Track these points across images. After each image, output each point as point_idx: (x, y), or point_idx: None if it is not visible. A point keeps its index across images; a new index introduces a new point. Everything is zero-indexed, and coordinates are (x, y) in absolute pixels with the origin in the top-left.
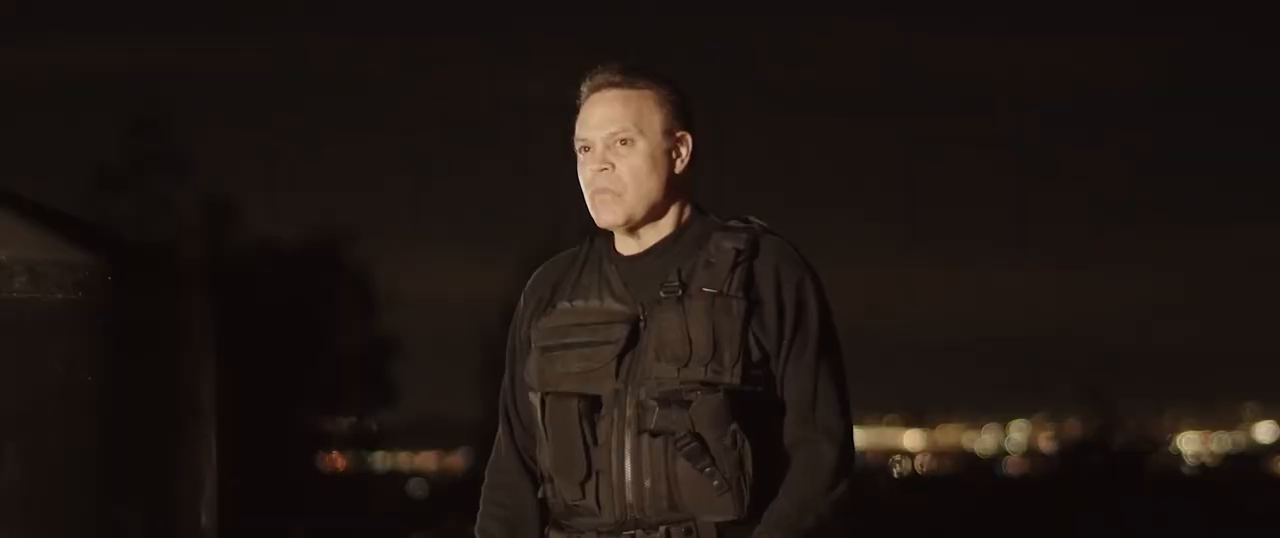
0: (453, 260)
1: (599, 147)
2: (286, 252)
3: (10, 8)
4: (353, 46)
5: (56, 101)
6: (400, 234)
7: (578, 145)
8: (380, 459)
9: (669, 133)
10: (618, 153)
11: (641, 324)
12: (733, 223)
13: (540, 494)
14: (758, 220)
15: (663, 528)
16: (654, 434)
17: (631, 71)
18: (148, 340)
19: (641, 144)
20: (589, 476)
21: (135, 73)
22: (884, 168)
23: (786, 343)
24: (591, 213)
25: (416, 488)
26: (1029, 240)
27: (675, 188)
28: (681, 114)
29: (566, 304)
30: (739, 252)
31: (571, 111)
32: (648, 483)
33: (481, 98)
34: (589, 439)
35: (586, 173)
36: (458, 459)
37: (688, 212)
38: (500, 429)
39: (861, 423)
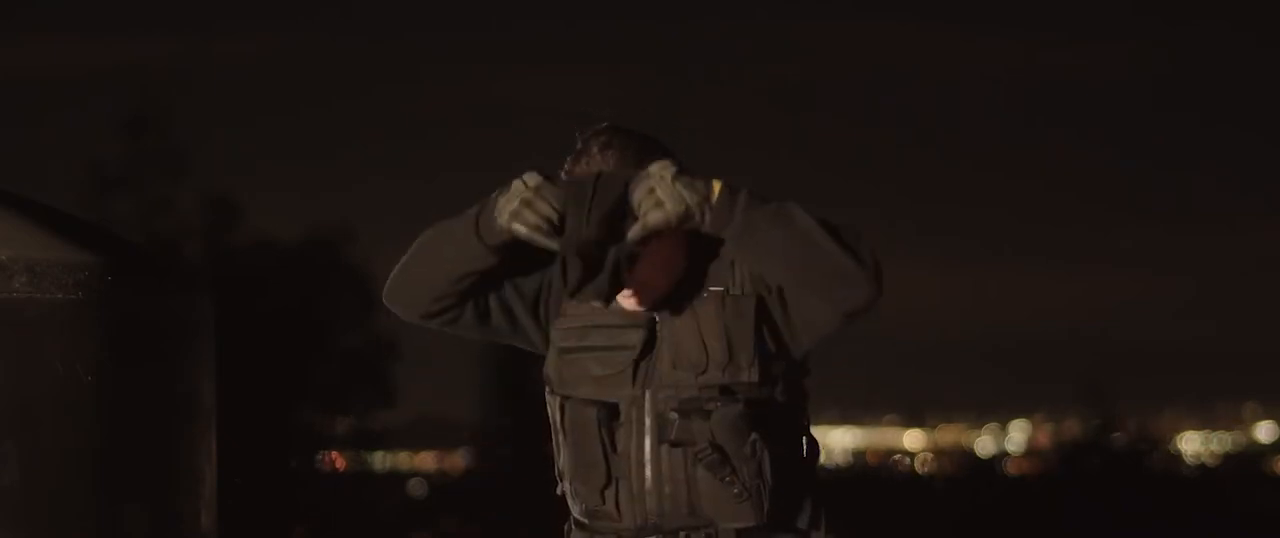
0: None
1: None
2: (286, 252)
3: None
4: (353, 47)
5: (56, 102)
6: (400, 234)
7: None
8: (380, 459)
9: None
10: None
11: (656, 322)
12: None
13: (558, 492)
14: None
15: (683, 534)
16: (674, 445)
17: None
18: (148, 340)
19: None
20: (609, 483)
21: (135, 73)
22: (884, 168)
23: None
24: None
25: (416, 488)
26: (1029, 240)
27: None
28: None
29: (578, 304)
30: None
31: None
32: (668, 490)
33: (481, 98)
34: (609, 447)
35: None
36: (458, 459)
37: None
38: None
39: (861, 423)
